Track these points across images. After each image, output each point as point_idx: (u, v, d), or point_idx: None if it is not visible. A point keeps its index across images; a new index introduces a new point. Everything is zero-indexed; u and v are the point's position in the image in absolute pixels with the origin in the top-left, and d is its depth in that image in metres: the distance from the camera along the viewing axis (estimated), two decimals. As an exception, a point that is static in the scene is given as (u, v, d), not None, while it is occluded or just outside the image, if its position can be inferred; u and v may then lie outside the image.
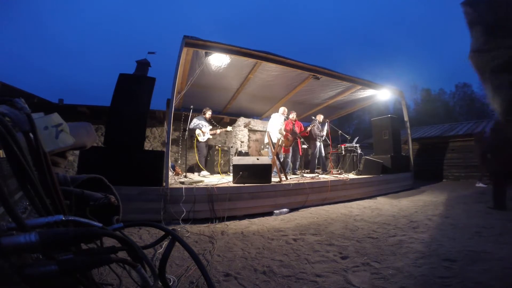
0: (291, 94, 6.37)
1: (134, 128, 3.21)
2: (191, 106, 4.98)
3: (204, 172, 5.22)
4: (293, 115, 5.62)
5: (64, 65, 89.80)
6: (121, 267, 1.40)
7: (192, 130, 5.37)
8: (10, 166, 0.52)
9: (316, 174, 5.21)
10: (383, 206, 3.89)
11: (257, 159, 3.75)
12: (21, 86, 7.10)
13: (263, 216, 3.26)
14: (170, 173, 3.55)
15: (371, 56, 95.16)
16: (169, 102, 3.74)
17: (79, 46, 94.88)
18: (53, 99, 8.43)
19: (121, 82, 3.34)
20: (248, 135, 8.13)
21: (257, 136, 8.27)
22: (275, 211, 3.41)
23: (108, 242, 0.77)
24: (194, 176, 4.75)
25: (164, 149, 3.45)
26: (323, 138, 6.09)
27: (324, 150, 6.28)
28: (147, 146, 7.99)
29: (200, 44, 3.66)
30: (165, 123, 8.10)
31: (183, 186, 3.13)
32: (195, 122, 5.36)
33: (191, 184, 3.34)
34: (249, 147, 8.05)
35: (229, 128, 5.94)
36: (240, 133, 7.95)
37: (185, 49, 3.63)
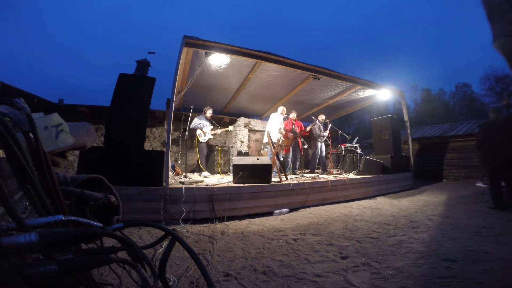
0: (291, 94, 6.37)
1: (134, 128, 3.21)
2: (191, 106, 4.97)
3: (205, 173, 5.20)
4: (293, 115, 5.62)
5: (64, 65, 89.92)
6: (121, 267, 1.40)
7: (193, 130, 5.31)
8: (10, 166, 0.52)
9: (316, 174, 5.21)
10: (383, 206, 3.89)
11: (257, 159, 3.75)
12: (21, 86, 7.11)
13: (263, 216, 3.26)
14: (170, 173, 3.55)
15: (371, 56, 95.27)
16: (169, 102, 3.74)
17: (79, 46, 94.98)
18: (53, 99, 8.44)
19: (121, 82, 3.34)
20: (248, 135, 8.13)
21: (257, 136, 8.27)
22: (275, 211, 3.41)
23: (108, 242, 0.77)
24: (194, 176, 4.75)
25: (164, 149, 3.45)
26: (324, 138, 6.10)
27: (325, 150, 6.28)
28: (147, 146, 7.99)
29: (200, 44, 3.66)
30: (165, 123, 8.10)
31: (183, 186, 3.13)
32: (196, 121, 5.28)
33: (191, 184, 3.34)
34: (249, 147, 8.05)
35: (230, 128, 5.87)
36: (240, 133, 7.96)
37: (185, 49, 3.63)
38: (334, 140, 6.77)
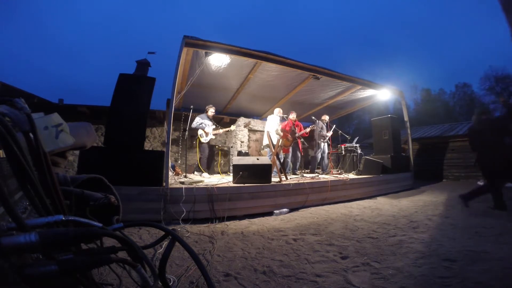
0: (291, 94, 6.37)
1: (134, 128, 3.21)
2: (191, 106, 4.94)
3: (205, 174, 5.14)
4: (293, 115, 5.62)
5: (64, 65, 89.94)
6: (121, 267, 1.40)
7: (194, 130, 5.17)
8: (10, 166, 0.52)
9: (316, 174, 5.21)
10: (383, 206, 3.89)
11: (257, 159, 3.75)
12: (21, 86, 7.12)
13: (263, 216, 3.26)
14: (170, 173, 3.55)
15: (371, 56, 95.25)
16: (169, 102, 3.74)
17: (79, 46, 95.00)
18: (53, 99, 8.44)
19: (121, 82, 3.34)
20: (248, 135, 8.13)
21: (257, 136, 8.27)
22: (275, 211, 3.41)
23: (108, 242, 0.77)
24: (194, 176, 4.74)
25: (164, 149, 3.45)
26: (327, 138, 6.10)
27: (327, 150, 6.28)
28: (147, 146, 8.00)
29: (200, 44, 3.66)
30: (165, 123, 8.10)
31: (183, 186, 3.13)
32: (198, 121, 5.07)
33: (191, 184, 3.34)
34: (249, 147, 8.05)
35: (232, 127, 5.73)
36: (240, 133, 7.96)
37: (185, 49, 3.63)
38: (334, 140, 6.77)
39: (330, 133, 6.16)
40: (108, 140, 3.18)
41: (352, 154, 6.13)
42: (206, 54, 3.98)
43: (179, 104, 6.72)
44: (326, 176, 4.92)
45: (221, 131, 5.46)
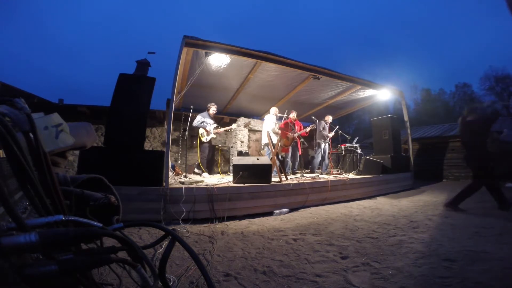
0: (291, 94, 6.38)
1: (134, 128, 3.21)
2: (191, 106, 4.91)
3: (205, 174, 5.10)
4: (293, 115, 5.62)
5: (64, 65, 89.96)
6: (121, 267, 1.40)
7: (195, 130, 5.06)
8: (10, 166, 0.52)
9: (316, 174, 5.21)
10: (383, 206, 3.89)
11: (257, 159, 3.75)
12: (21, 86, 7.11)
13: (263, 216, 3.26)
14: (170, 173, 3.55)
15: (371, 56, 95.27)
16: (169, 102, 3.74)
17: (79, 46, 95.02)
18: (53, 99, 8.45)
19: (121, 82, 3.34)
20: (248, 135, 8.13)
21: (257, 136, 8.28)
22: (275, 211, 3.41)
23: (108, 242, 0.77)
24: (194, 176, 4.74)
25: (164, 149, 3.45)
26: (328, 139, 6.11)
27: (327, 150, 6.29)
28: (147, 146, 8.00)
29: (200, 44, 3.66)
30: (165, 123, 8.10)
31: (183, 186, 3.13)
32: (199, 119, 4.93)
33: (191, 184, 3.34)
34: (249, 147, 8.05)
35: (233, 126, 5.62)
36: (240, 133, 7.96)
37: (185, 49, 3.63)
38: (334, 140, 6.77)
39: (332, 134, 6.16)
40: (108, 140, 3.18)
41: (352, 154, 6.13)
42: (206, 54, 3.98)
43: (179, 104, 6.72)
44: (326, 176, 4.92)
45: (222, 129, 5.34)
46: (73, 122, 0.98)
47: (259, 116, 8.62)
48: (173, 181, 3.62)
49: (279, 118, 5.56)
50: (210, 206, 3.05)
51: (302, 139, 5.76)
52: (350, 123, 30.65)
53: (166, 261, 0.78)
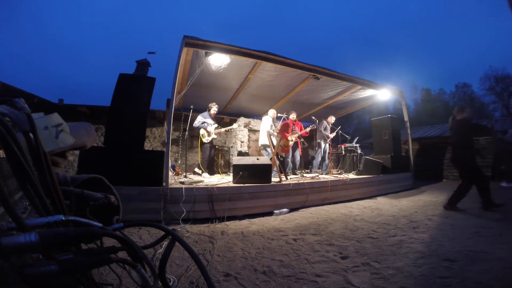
0: (291, 94, 6.37)
1: (134, 128, 3.21)
2: (191, 106, 4.89)
3: (205, 174, 5.06)
4: (293, 115, 5.62)
5: (64, 65, 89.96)
6: (121, 267, 1.40)
7: (196, 130, 5.02)
8: (10, 166, 0.52)
9: (316, 174, 5.21)
10: (383, 206, 3.89)
11: (257, 159, 3.75)
12: (21, 86, 7.12)
13: (263, 216, 3.26)
14: (170, 173, 3.55)
15: (371, 56, 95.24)
16: (169, 102, 3.74)
17: (79, 46, 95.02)
18: (53, 99, 8.45)
19: (121, 82, 3.34)
20: (248, 135, 8.14)
21: (257, 136, 8.26)
22: (275, 211, 3.41)
23: (108, 242, 0.77)
24: (194, 176, 4.73)
25: (164, 149, 3.45)
26: (329, 139, 6.11)
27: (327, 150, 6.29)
28: (147, 146, 8.00)
29: (200, 44, 3.66)
30: (165, 123, 8.10)
31: (183, 186, 3.13)
32: (200, 120, 4.88)
33: (191, 184, 3.34)
34: (249, 147, 8.05)
35: (234, 125, 5.57)
36: (240, 133, 7.96)
37: (185, 49, 3.63)
38: (334, 140, 6.77)
39: (333, 135, 6.16)
40: (108, 140, 3.18)
41: (352, 154, 6.13)
42: (206, 54, 3.98)
43: (179, 104, 6.72)
44: (326, 176, 4.92)
45: (223, 129, 5.29)
46: (73, 122, 0.98)
47: (259, 116, 8.62)
48: (173, 181, 3.62)
49: (278, 119, 5.56)
50: (210, 206, 3.05)
51: (302, 139, 5.76)
52: (350, 123, 30.65)
53: (166, 261, 0.78)
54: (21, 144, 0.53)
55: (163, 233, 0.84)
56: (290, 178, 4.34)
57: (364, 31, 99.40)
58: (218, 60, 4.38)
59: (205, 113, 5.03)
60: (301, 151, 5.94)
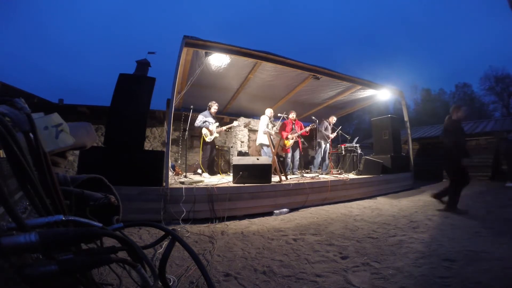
0: (291, 94, 6.37)
1: (134, 128, 3.21)
2: (191, 106, 4.88)
3: (205, 174, 5.03)
4: (292, 115, 5.62)
5: (64, 65, 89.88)
6: (121, 267, 1.40)
7: (197, 130, 4.99)
8: (10, 166, 0.52)
9: (316, 174, 5.21)
10: (383, 206, 3.89)
11: (257, 159, 3.75)
12: (21, 86, 7.12)
13: (263, 216, 3.26)
14: (170, 173, 3.55)
15: (371, 56, 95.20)
16: (169, 102, 3.74)
17: (79, 46, 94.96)
18: (53, 99, 8.44)
19: (121, 82, 3.34)
20: (248, 135, 8.13)
21: (257, 135, 8.28)
22: (275, 211, 3.41)
23: (108, 242, 0.77)
24: (194, 176, 4.73)
25: (164, 149, 3.45)
26: (330, 139, 6.11)
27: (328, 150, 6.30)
28: (147, 146, 8.00)
29: (200, 44, 3.66)
30: (165, 123, 8.10)
31: (183, 186, 3.13)
32: (201, 119, 4.84)
33: (191, 184, 3.34)
34: (249, 147, 8.05)
35: (235, 123, 5.57)
36: (240, 133, 7.96)
37: (185, 49, 3.63)
38: (334, 140, 6.77)
39: (333, 135, 6.16)
40: (108, 140, 3.18)
41: (352, 154, 6.13)
42: (206, 54, 3.98)
43: (179, 104, 6.72)
44: (326, 176, 4.92)
45: (224, 128, 5.30)
46: (73, 122, 0.98)
47: (259, 116, 8.61)
48: (173, 181, 3.61)
49: (276, 119, 5.56)
50: (210, 206, 3.05)
51: (302, 139, 5.76)
52: (350, 123, 30.63)
53: (166, 261, 0.78)
54: (21, 144, 0.53)
55: (163, 233, 0.84)
56: (290, 178, 4.34)
57: (364, 31, 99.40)
58: (218, 60, 4.38)
59: (206, 112, 5.02)
60: (301, 150, 5.93)
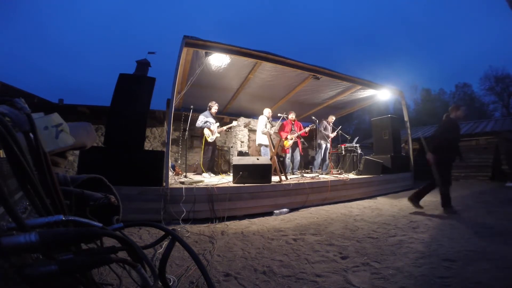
0: (291, 94, 6.37)
1: (134, 128, 3.21)
2: (191, 106, 4.88)
3: (205, 174, 5.07)
4: (291, 115, 5.62)
5: (64, 65, 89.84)
6: (121, 267, 1.40)
7: (197, 130, 5.00)
8: (10, 166, 0.52)
9: (316, 174, 5.21)
10: (383, 206, 3.89)
11: (257, 159, 3.75)
12: (21, 86, 7.12)
13: (263, 216, 3.26)
14: (170, 173, 3.55)
15: (371, 56, 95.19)
16: (169, 102, 3.74)
17: (79, 46, 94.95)
18: (53, 99, 8.45)
19: (121, 82, 3.34)
20: (248, 135, 8.13)
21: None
22: (275, 211, 3.41)
23: (108, 242, 0.77)
24: (194, 176, 4.73)
25: (164, 149, 3.45)
26: (329, 139, 6.11)
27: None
28: (147, 146, 8.00)
29: (200, 44, 3.66)
30: (165, 123, 8.10)
31: (183, 186, 3.13)
32: (202, 119, 4.85)
33: (191, 184, 3.34)
34: (249, 147, 8.05)
35: (234, 123, 5.59)
36: (240, 133, 7.96)
37: (185, 49, 3.63)
38: (334, 140, 6.77)
39: (333, 134, 6.16)
40: (108, 140, 3.18)
41: (352, 154, 6.13)
42: (206, 54, 3.98)
43: (179, 104, 6.72)
44: (326, 176, 4.92)
45: (224, 128, 5.33)
46: (73, 122, 0.98)
47: (259, 116, 8.62)
48: (173, 181, 3.61)
49: (275, 119, 5.56)
50: (210, 206, 3.05)
51: (302, 139, 5.76)
52: (350, 123, 30.63)
53: (166, 261, 0.78)
54: (21, 144, 0.53)
55: (163, 233, 0.84)
56: (290, 178, 4.34)
57: (364, 31, 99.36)
58: (218, 60, 4.38)
59: (207, 112, 5.04)
60: (301, 151, 5.93)
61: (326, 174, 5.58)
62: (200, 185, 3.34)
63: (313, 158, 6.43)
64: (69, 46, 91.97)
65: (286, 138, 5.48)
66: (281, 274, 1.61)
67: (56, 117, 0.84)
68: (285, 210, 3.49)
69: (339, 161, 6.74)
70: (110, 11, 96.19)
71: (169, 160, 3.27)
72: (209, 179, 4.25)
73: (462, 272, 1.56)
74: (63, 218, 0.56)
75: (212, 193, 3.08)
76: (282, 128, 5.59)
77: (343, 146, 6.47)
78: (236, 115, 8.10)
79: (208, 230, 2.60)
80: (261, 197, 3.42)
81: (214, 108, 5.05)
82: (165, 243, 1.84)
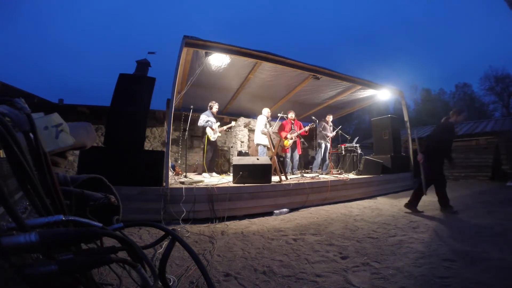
0: (291, 94, 6.37)
1: (134, 128, 3.21)
2: (191, 106, 4.89)
3: (206, 174, 5.04)
4: (291, 115, 5.62)
5: (64, 65, 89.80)
6: (121, 267, 1.40)
7: (198, 130, 5.02)
8: (10, 166, 0.52)
9: (316, 174, 5.21)
10: (383, 206, 3.89)
11: (257, 159, 3.75)
12: (21, 86, 7.12)
13: (263, 216, 3.26)
14: (170, 173, 3.55)
15: (371, 56, 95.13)
16: (169, 102, 3.74)
17: (79, 46, 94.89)
18: (53, 99, 8.45)
19: (121, 82, 3.34)
20: (248, 135, 8.13)
21: (257, 136, 8.27)
22: (275, 211, 3.41)
23: (108, 242, 0.77)
24: (194, 176, 4.73)
25: (164, 149, 3.45)
26: (329, 138, 6.11)
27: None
28: (147, 146, 8.00)
29: (200, 44, 3.66)
30: (165, 123, 8.10)
31: (183, 186, 3.13)
32: (204, 119, 4.86)
33: (191, 184, 3.34)
34: (249, 147, 8.05)
35: (233, 123, 5.60)
36: (240, 133, 7.96)
37: (185, 49, 3.62)
38: (334, 140, 6.77)
39: (333, 134, 6.15)
40: (108, 140, 3.18)
41: (352, 154, 6.13)
42: (206, 54, 3.98)
43: (179, 104, 6.72)
44: (326, 176, 4.92)
45: (225, 127, 5.37)
46: (73, 122, 0.98)
47: (259, 116, 8.63)
48: (173, 181, 3.61)
49: (274, 119, 5.56)
50: (210, 206, 3.05)
51: (302, 139, 5.75)
52: (350, 123, 30.62)
53: (166, 261, 0.78)
54: (21, 144, 0.53)
55: (163, 233, 0.84)
56: (290, 178, 4.34)
57: (364, 31, 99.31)
58: (218, 60, 4.38)
59: (208, 112, 5.05)
60: (301, 151, 5.93)
61: (326, 174, 5.58)
62: (200, 185, 3.34)
63: (313, 158, 6.43)
64: (69, 46, 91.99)
65: (286, 138, 5.47)
66: (281, 274, 1.61)
67: (56, 117, 0.84)
68: (285, 210, 3.49)
69: (339, 161, 6.74)
70: (110, 11, 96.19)
71: (169, 160, 3.27)
72: (209, 179, 4.25)
73: (462, 272, 1.56)
74: (63, 218, 0.56)
75: (212, 193, 3.08)
76: (282, 127, 5.59)
77: (343, 146, 6.47)
78: (236, 115, 8.10)
79: (208, 230, 2.60)
80: (261, 197, 3.42)
81: (215, 107, 5.08)
82: (165, 243, 1.84)
